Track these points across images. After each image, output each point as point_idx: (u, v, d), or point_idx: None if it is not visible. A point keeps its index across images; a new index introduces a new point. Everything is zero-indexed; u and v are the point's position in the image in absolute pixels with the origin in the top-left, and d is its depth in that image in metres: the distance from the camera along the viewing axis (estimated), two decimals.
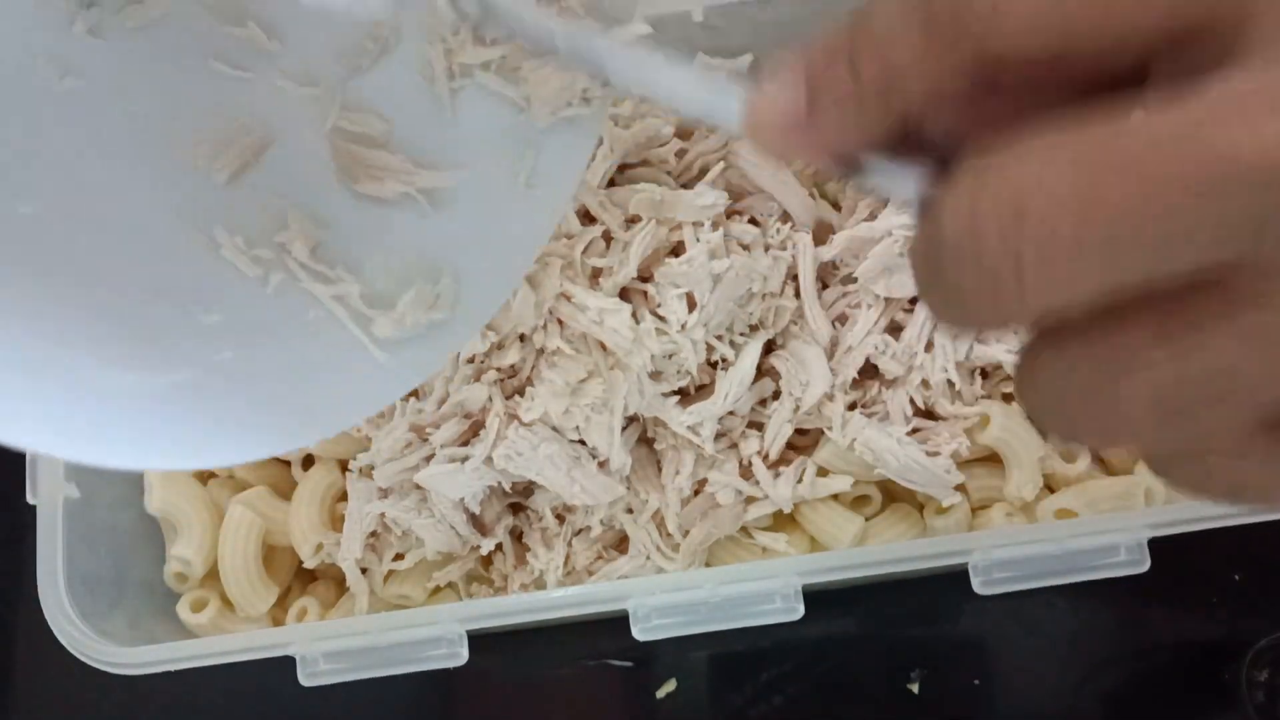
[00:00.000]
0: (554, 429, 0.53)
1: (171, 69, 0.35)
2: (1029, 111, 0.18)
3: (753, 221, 0.57)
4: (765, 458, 0.55)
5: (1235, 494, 0.19)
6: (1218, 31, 0.16)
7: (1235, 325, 0.16)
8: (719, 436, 0.55)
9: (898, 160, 0.20)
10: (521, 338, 0.53)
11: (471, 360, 0.53)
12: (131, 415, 0.33)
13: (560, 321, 0.52)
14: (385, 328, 0.36)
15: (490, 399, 0.53)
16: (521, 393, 0.53)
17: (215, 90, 0.36)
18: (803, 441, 0.57)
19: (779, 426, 0.55)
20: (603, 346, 0.52)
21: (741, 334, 0.55)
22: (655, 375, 0.53)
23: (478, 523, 0.56)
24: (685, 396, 0.55)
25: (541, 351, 0.53)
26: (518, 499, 0.57)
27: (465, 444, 0.53)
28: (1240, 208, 0.15)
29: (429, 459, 0.53)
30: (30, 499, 0.53)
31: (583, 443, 0.53)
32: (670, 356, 0.53)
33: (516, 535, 0.57)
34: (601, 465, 0.53)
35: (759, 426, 0.56)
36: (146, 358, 0.34)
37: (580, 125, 0.39)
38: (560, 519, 0.56)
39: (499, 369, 0.53)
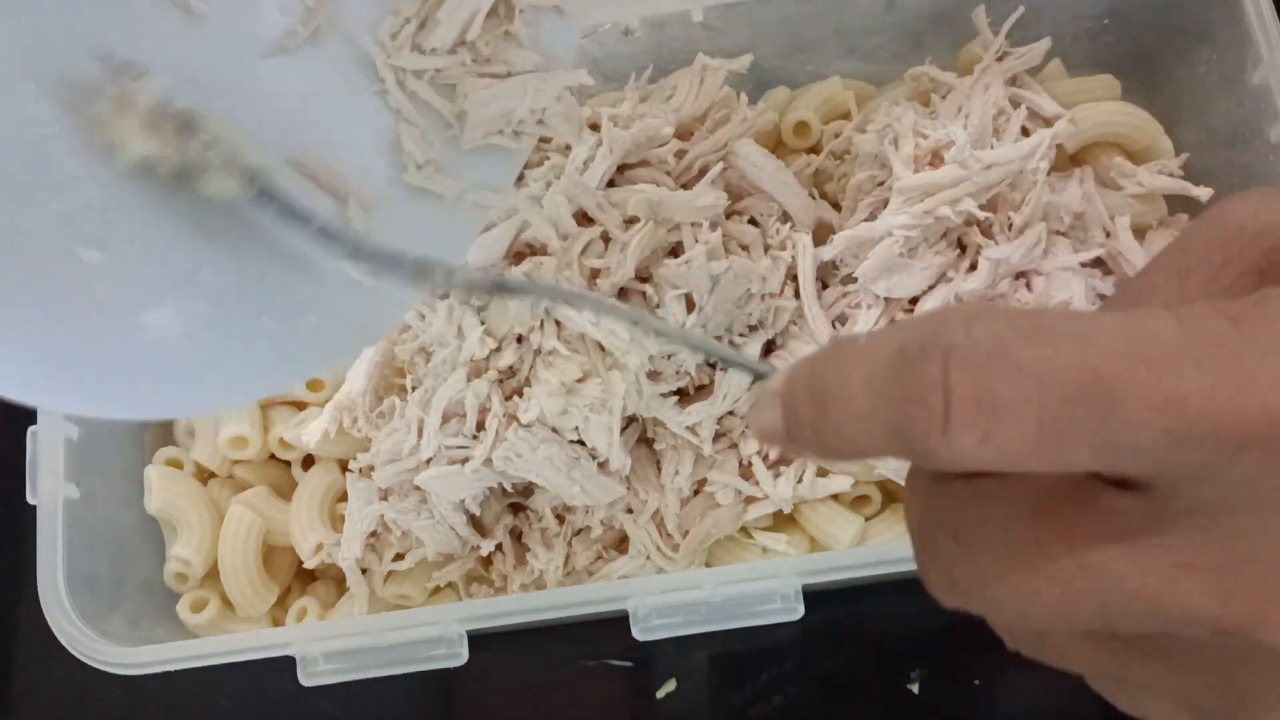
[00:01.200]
0: (553, 430, 0.53)
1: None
2: None
3: (752, 222, 0.57)
4: (765, 458, 0.55)
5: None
6: (1152, 489, 0.20)
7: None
8: (719, 436, 0.55)
9: None
10: (519, 339, 0.53)
11: (471, 362, 0.53)
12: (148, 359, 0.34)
13: (558, 322, 0.52)
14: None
15: (489, 399, 0.53)
16: (520, 394, 0.53)
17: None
18: None
19: None
20: (601, 347, 0.52)
21: (741, 334, 0.55)
22: (654, 375, 0.53)
23: (477, 524, 0.56)
24: (684, 397, 0.55)
25: (539, 352, 0.53)
26: (518, 499, 0.57)
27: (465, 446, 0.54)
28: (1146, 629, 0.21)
29: (429, 461, 0.53)
30: (30, 499, 0.53)
31: (582, 443, 0.53)
32: (669, 357, 0.53)
33: (516, 535, 0.57)
34: (601, 466, 0.53)
35: None
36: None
37: (505, 155, 0.41)
38: (560, 519, 0.56)
39: (499, 370, 0.53)
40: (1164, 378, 0.18)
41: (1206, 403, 0.18)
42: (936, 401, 0.19)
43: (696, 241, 0.53)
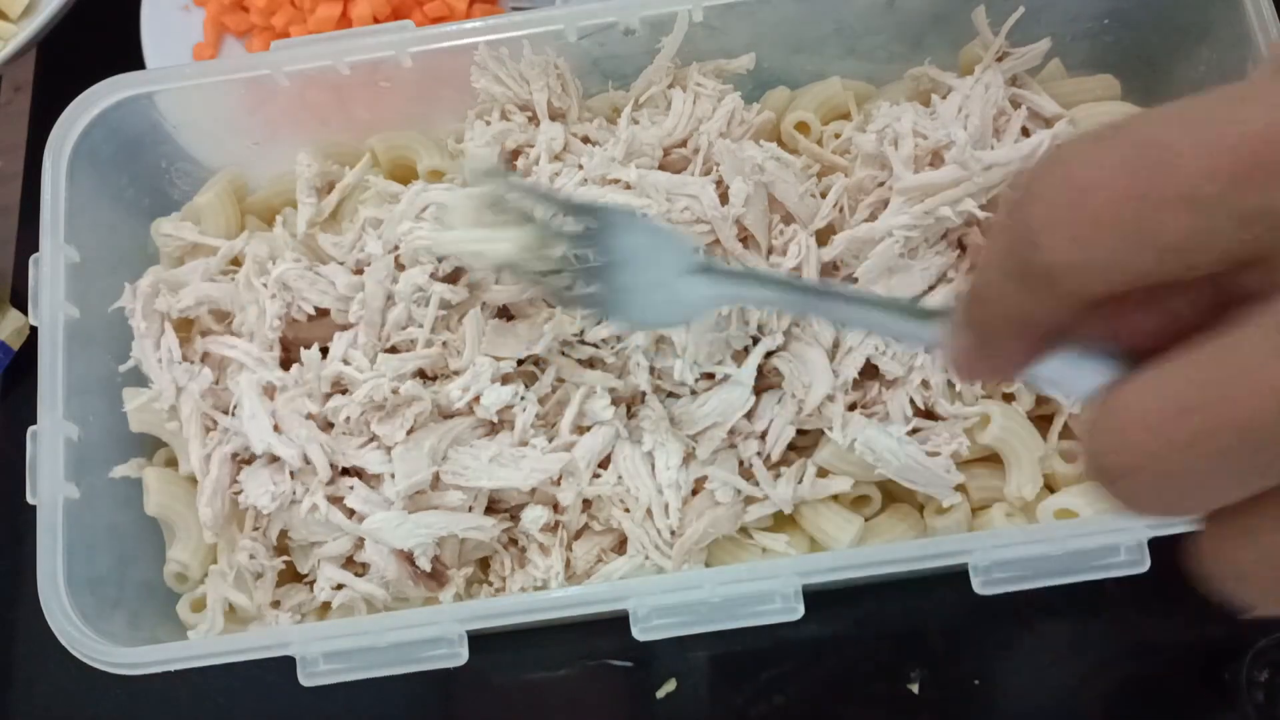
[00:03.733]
0: (494, 423, 0.54)
1: None
2: (1156, 304, 0.22)
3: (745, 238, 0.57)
4: (767, 460, 0.55)
5: None
6: (1268, 261, 0.20)
7: None
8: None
9: (1067, 364, 0.24)
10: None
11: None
12: None
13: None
14: None
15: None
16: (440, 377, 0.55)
17: None
18: (803, 442, 0.57)
19: (781, 429, 0.55)
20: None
21: (720, 361, 0.55)
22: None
23: (434, 574, 0.55)
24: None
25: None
26: (508, 524, 0.56)
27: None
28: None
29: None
30: (30, 499, 0.53)
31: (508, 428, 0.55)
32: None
33: (514, 541, 0.57)
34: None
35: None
36: None
37: None
38: (552, 529, 0.56)
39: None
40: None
41: None
42: (1032, 213, 0.21)
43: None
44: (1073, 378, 0.24)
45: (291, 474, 0.54)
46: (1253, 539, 0.21)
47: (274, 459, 0.54)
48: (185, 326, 0.59)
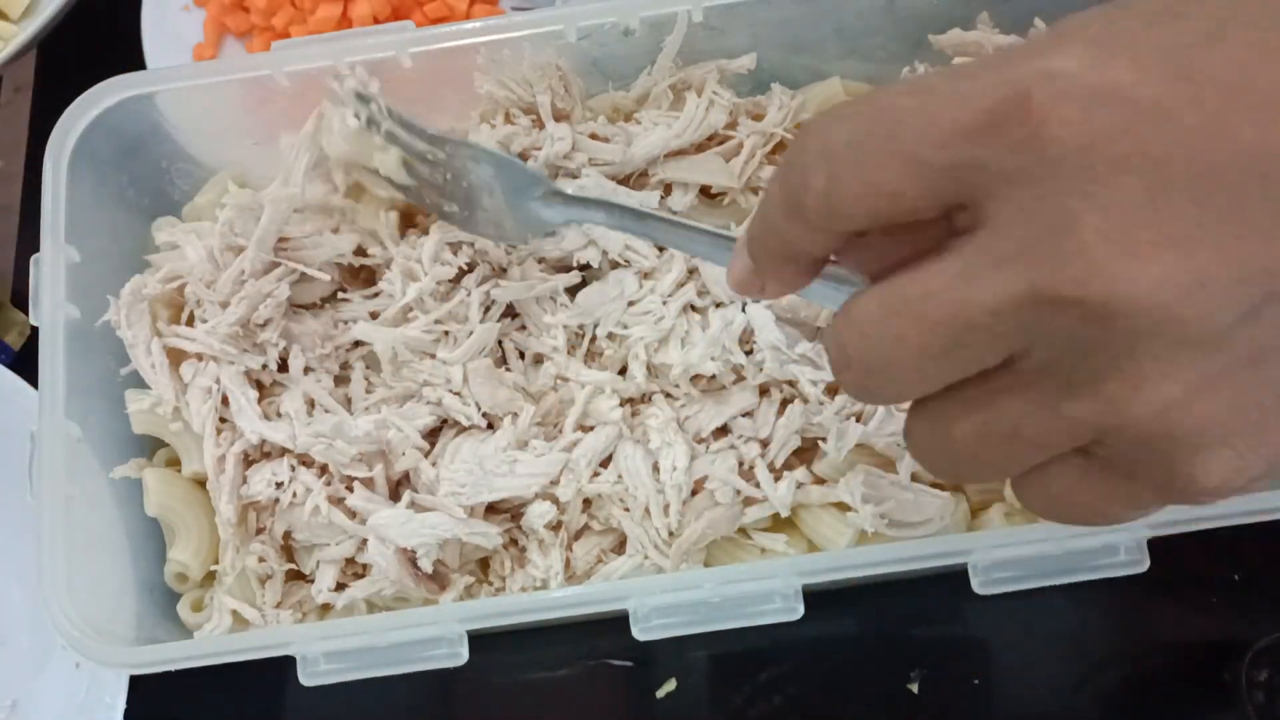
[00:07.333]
0: (488, 424, 0.55)
1: None
2: (900, 238, 0.26)
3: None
4: (771, 466, 0.55)
5: (1063, 511, 0.27)
6: (970, 206, 0.24)
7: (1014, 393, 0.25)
8: (721, 433, 0.55)
9: (827, 285, 0.30)
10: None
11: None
12: None
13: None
14: None
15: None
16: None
17: None
18: (803, 444, 0.56)
19: (786, 437, 0.55)
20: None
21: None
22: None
23: (436, 576, 0.55)
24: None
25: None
26: (510, 525, 0.56)
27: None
28: (984, 336, 0.24)
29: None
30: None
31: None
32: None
33: (514, 541, 0.57)
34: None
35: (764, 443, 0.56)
36: None
37: None
38: (555, 528, 0.56)
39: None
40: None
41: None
42: (797, 166, 0.26)
43: None
44: (831, 295, 0.30)
45: (292, 467, 0.54)
46: (933, 422, 0.27)
47: (275, 455, 0.55)
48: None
